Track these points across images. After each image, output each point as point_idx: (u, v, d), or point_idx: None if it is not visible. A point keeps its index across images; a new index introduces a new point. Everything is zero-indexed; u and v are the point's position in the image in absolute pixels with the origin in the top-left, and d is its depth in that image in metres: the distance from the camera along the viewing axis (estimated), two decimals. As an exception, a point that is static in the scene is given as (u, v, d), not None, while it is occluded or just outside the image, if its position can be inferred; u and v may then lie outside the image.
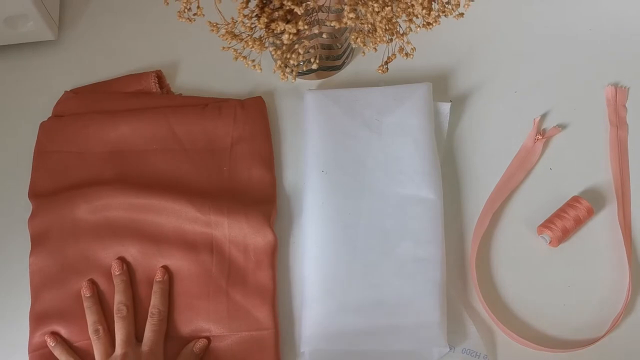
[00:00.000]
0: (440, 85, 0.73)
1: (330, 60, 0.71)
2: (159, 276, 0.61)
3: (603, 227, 0.66)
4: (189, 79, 0.75)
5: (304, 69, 0.71)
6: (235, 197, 0.66)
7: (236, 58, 0.53)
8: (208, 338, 0.60)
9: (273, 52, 0.54)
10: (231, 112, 0.69)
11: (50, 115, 0.71)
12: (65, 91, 0.72)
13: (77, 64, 0.76)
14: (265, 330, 0.61)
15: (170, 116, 0.69)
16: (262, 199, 0.66)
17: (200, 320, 0.61)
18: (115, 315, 0.59)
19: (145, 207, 0.64)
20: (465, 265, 0.64)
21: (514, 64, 0.74)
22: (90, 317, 0.60)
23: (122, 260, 0.62)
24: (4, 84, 0.75)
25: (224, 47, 0.53)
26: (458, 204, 0.67)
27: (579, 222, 0.64)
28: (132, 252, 0.63)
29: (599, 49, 0.75)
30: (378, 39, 0.52)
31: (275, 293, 0.62)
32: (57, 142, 0.68)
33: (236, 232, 0.63)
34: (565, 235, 0.64)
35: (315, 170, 0.66)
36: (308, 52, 0.58)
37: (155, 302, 0.60)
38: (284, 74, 0.54)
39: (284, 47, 0.52)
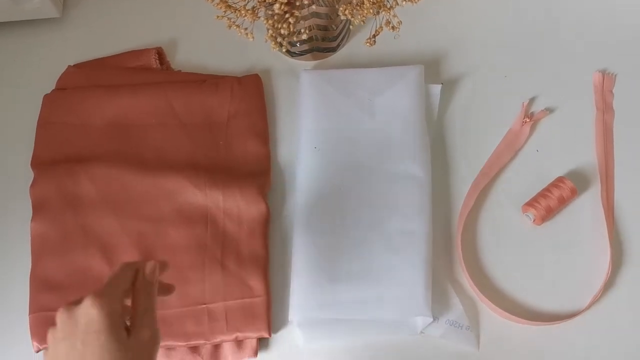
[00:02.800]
0: (433, 68, 0.75)
1: (325, 41, 0.74)
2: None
3: (586, 207, 0.68)
4: (189, 56, 0.77)
5: (298, 49, 0.73)
6: (230, 170, 0.68)
7: (229, 26, 0.55)
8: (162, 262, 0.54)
9: (265, 22, 0.56)
10: (228, 88, 0.72)
11: (52, 88, 0.73)
12: (69, 65, 0.74)
13: (81, 41, 0.78)
14: (257, 298, 0.63)
15: (169, 91, 0.71)
16: (256, 171, 0.68)
17: (195, 292, 0.63)
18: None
19: (143, 182, 0.66)
20: (451, 241, 0.67)
21: (505, 49, 0.76)
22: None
23: None
24: (10, 59, 0.77)
25: (218, 16, 0.55)
26: (446, 183, 0.69)
27: (562, 202, 0.66)
28: (129, 227, 0.65)
29: (588, 36, 0.77)
30: (365, 12, 0.54)
31: (268, 262, 0.65)
32: (59, 114, 0.70)
33: (230, 204, 0.65)
34: (548, 213, 0.66)
35: (308, 146, 0.68)
36: (300, 23, 0.60)
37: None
38: (275, 43, 0.56)
39: (276, 17, 0.54)
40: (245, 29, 0.55)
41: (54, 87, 0.73)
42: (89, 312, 0.42)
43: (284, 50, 0.58)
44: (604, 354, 0.62)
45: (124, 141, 0.69)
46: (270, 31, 0.55)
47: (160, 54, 0.75)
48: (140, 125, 0.70)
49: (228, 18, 0.55)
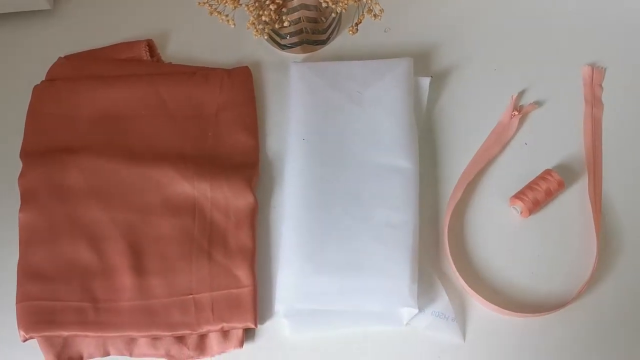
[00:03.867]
0: (423, 61, 0.75)
1: (316, 34, 0.74)
2: None
3: (573, 200, 0.68)
4: (180, 48, 0.77)
5: (287, 42, 0.74)
6: (219, 161, 0.68)
7: (211, 13, 0.56)
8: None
9: (246, 9, 0.56)
10: (218, 80, 0.72)
11: (43, 79, 0.73)
12: (59, 57, 0.74)
13: (72, 33, 0.78)
14: (244, 288, 0.63)
15: (158, 83, 0.71)
16: (245, 163, 0.68)
17: (182, 282, 0.63)
18: None
19: (131, 173, 0.66)
20: (438, 233, 0.67)
21: (495, 42, 0.76)
22: None
23: None
24: (0, 51, 0.77)
25: (200, 3, 0.55)
26: (435, 175, 0.70)
27: (549, 194, 0.66)
28: (117, 217, 0.65)
29: (578, 30, 0.77)
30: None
31: (255, 253, 0.65)
32: (49, 105, 0.70)
33: (218, 195, 0.66)
34: (536, 206, 0.66)
35: (296, 138, 0.68)
36: (288, 15, 0.60)
37: None
38: (256, 31, 0.56)
39: (256, 4, 0.54)
40: (227, 15, 0.55)
41: (44, 79, 0.73)
42: None
43: (265, 37, 0.58)
44: (590, 345, 0.62)
45: (113, 132, 0.69)
46: (252, 18, 0.55)
47: (150, 46, 0.75)
48: (130, 116, 0.70)
49: (210, 5, 0.55)
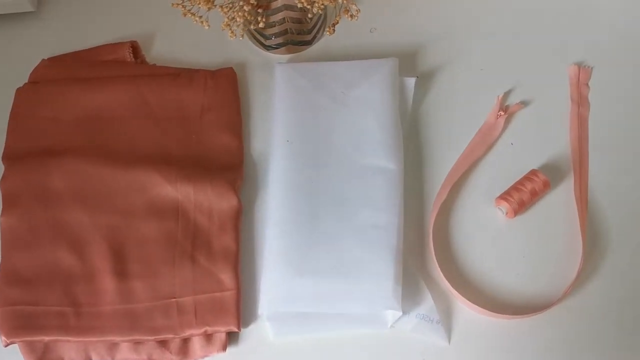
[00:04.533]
0: (409, 61, 0.75)
1: (301, 35, 0.73)
2: None
3: (560, 200, 0.67)
4: (164, 50, 0.76)
5: (272, 42, 0.73)
6: (202, 163, 0.68)
7: (185, 14, 0.55)
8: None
9: (220, 10, 0.56)
10: (202, 82, 0.71)
11: (25, 82, 0.72)
12: (43, 59, 0.74)
13: (56, 35, 0.78)
14: (227, 291, 0.62)
15: (142, 85, 0.71)
16: (229, 165, 0.68)
17: (165, 286, 0.62)
18: None
19: (114, 176, 0.66)
20: (424, 234, 0.66)
21: (481, 42, 0.76)
22: None
23: None
24: (-17, 53, 0.77)
25: (173, 4, 0.55)
26: (420, 176, 0.69)
27: (535, 195, 0.66)
28: (99, 221, 0.64)
29: (564, 29, 0.76)
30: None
31: (239, 256, 0.64)
32: (32, 108, 0.70)
33: (201, 197, 0.65)
34: (521, 207, 0.65)
35: (280, 140, 0.68)
36: (258, 12, 0.59)
37: None
38: (232, 32, 0.56)
39: (230, 5, 0.54)
40: (201, 17, 0.54)
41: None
42: None
43: (241, 38, 0.58)
44: (577, 346, 0.61)
45: (96, 135, 0.69)
46: (226, 19, 0.55)
47: (134, 47, 0.75)
48: (113, 118, 0.70)
49: (183, 6, 0.55)
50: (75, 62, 0.74)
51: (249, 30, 0.74)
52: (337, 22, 0.58)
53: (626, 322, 0.62)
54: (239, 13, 0.54)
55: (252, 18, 0.55)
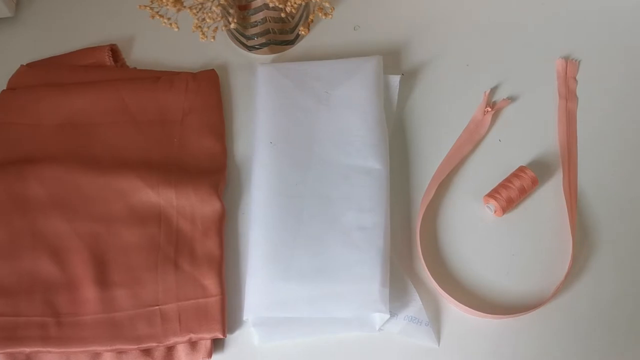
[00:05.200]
0: (393, 58, 0.74)
1: (283, 34, 0.72)
2: None
3: (548, 197, 0.66)
4: (145, 53, 0.75)
5: (254, 43, 0.72)
6: (185, 167, 0.67)
7: (152, 16, 0.54)
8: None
9: (189, 12, 0.54)
10: (183, 84, 0.70)
11: (4, 88, 0.71)
12: (21, 65, 0.73)
13: (35, 40, 0.76)
14: (212, 297, 0.61)
15: (122, 89, 0.69)
16: (211, 169, 0.67)
17: (148, 293, 0.61)
18: None
19: (94, 182, 0.64)
20: (411, 235, 0.65)
21: (467, 37, 0.75)
22: None
23: None
24: (-39, 59, 0.76)
25: (140, 6, 0.53)
26: (406, 175, 0.68)
27: (523, 192, 0.65)
28: (80, 228, 0.63)
29: (551, 23, 0.75)
30: None
31: (223, 261, 0.63)
32: (10, 114, 0.69)
33: (184, 202, 0.64)
34: (510, 205, 0.64)
35: (263, 142, 0.67)
36: (229, 13, 0.57)
37: None
38: (203, 34, 0.54)
39: (198, 6, 0.53)
40: (169, 18, 0.53)
41: (5, 87, 0.71)
42: None
43: (212, 40, 0.56)
44: (567, 345, 0.60)
45: (76, 141, 0.68)
46: (196, 21, 0.54)
47: (114, 51, 0.74)
48: (93, 124, 0.69)
49: (151, 8, 0.53)
50: (54, 67, 0.72)
51: (230, 31, 0.73)
52: (312, 21, 0.57)
53: (616, 319, 0.61)
54: (209, 14, 0.52)
55: (224, 19, 0.54)
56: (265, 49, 0.73)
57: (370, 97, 0.68)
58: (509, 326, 0.61)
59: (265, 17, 0.68)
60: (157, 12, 0.54)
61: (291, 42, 0.74)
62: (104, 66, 0.72)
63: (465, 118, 0.70)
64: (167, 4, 0.52)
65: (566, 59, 0.73)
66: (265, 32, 0.70)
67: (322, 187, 0.64)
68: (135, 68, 0.73)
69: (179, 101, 0.70)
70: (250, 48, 0.74)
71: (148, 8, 0.54)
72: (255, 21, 0.68)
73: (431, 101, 0.71)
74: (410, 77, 0.72)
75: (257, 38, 0.71)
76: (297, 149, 0.66)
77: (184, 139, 0.68)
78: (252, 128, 0.69)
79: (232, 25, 0.57)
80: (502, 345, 0.60)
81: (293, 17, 0.70)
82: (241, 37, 0.72)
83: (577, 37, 0.74)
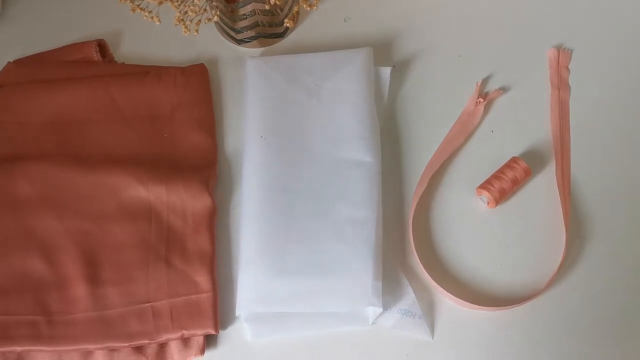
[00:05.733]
0: (384, 50, 0.73)
1: (272, 27, 0.71)
2: None
3: (542, 187, 0.66)
4: (133, 47, 0.74)
5: (243, 36, 0.71)
6: (175, 163, 0.66)
7: (133, 10, 0.53)
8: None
9: (171, 4, 0.54)
10: (171, 79, 0.69)
11: (-9, 86, 0.71)
12: (8, 62, 0.72)
13: (20, 37, 0.75)
14: (203, 294, 0.61)
15: (110, 84, 0.69)
16: (202, 164, 0.66)
17: (139, 291, 0.61)
18: None
19: (84, 180, 0.64)
20: (403, 228, 0.65)
21: (458, 27, 0.74)
22: None
23: None
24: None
25: (120, 0, 0.53)
26: (398, 167, 0.67)
27: (516, 183, 0.64)
28: (70, 226, 0.63)
29: (543, 12, 0.75)
30: None
31: (215, 257, 0.63)
32: (-3, 112, 0.68)
33: (174, 198, 0.63)
34: (502, 196, 0.64)
35: (253, 136, 0.66)
36: (213, 6, 0.56)
37: None
38: (186, 27, 0.54)
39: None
40: (150, 12, 0.52)
41: (-7, 85, 0.71)
42: None
43: (195, 34, 0.56)
44: (561, 336, 0.60)
45: (65, 138, 0.67)
46: (178, 14, 0.53)
47: (102, 46, 0.73)
48: (82, 120, 0.68)
49: (131, 1, 0.53)
50: (41, 63, 0.72)
51: (219, 25, 0.72)
52: (297, 13, 0.56)
53: (609, 310, 0.61)
54: (191, 7, 0.51)
55: (212, 11, 0.53)
56: (255, 42, 0.73)
57: (360, 90, 0.67)
58: (502, 318, 0.61)
59: (254, 10, 0.67)
60: (138, 5, 0.53)
61: (281, 35, 0.73)
62: (92, 62, 0.71)
63: (458, 109, 0.70)
64: (147, -3, 0.51)
65: (558, 48, 0.72)
66: (254, 25, 0.70)
67: (314, 180, 0.64)
68: (123, 63, 0.73)
69: (167, 96, 0.69)
70: (239, 41, 0.73)
71: (129, 1, 0.53)
72: (244, 14, 0.67)
73: (423, 93, 0.71)
74: (401, 69, 0.72)
75: (246, 31, 0.71)
76: (288, 142, 0.66)
77: (173, 134, 0.68)
78: (242, 122, 0.68)
79: (215, 19, 0.56)
80: (496, 337, 0.60)
81: (282, 10, 0.69)
82: (230, 31, 0.71)
83: (569, 26, 0.74)
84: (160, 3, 0.52)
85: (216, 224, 0.64)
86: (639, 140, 0.68)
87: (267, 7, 0.56)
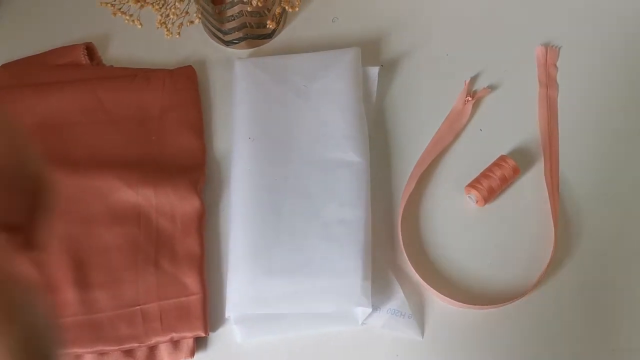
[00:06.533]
0: (372, 50, 0.73)
1: (260, 28, 0.71)
2: None
3: (530, 186, 0.66)
4: (122, 50, 0.74)
5: (231, 37, 0.71)
6: (163, 165, 0.66)
7: (114, 14, 0.53)
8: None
9: (152, 7, 0.54)
10: (160, 81, 0.69)
11: (-22, 90, 0.70)
12: (-5, 66, 0.72)
13: (7, 41, 0.75)
14: (193, 296, 0.61)
15: (98, 88, 0.69)
16: (191, 166, 0.66)
17: (129, 294, 0.61)
18: None
19: (72, 184, 0.64)
20: (392, 227, 0.65)
21: (446, 26, 0.74)
22: None
23: None
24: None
25: (101, 3, 0.52)
26: (387, 167, 0.67)
27: (505, 181, 0.64)
28: (58, 230, 0.62)
29: (531, 9, 0.74)
30: None
31: (204, 259, 0.63)
32: (-16, 117, 0.68)
33: (163, 200, 0.63)
34: (491, 194, 0.64)
35: (242, 137, 0.66)
36: (204, 8, 0.56)
37: None
38: (168, 31, 0.53)
39: (161, 1, 0.52)
40: (131, 15, 0.52)
41: (-19, 90, 0.71)
42: None
43: (177, 37, 0.55)
44: (552, 333, 0.60)
45: (52, 141, 0.67)
46: (159, 17, 0.53)
47: (90, 49, 0.73)
48: (70, 124, 0.68)
49: (112, 5, 0.52)
50: (29, 67, 0.71)
51: (207, 27, 0.72)
52: (279, 14, 0.56)
53: (600, 307, 0.61)
54: (173, 10, 0.51)
55: (188, 15, 0.53)
56: (243, 43, 0.73)
57: (348, 90, 0.67)
58: (493, 316, 0.61)
59: (241, 11, 0.67)
60: (119, 9, 0.53)
61: (269, 36, 0.73)
62: (80, 65, 0.71)
63: (446, 108, 0.70)
64: (129, 1, 0.51)
65: (546, 45, 0.72)
66: (242, 26, 0.70)
67: (302, 181, 0.64)
68: (111, 66, 0.73)
69: (156, 99, 0.69)
70: (227, 43, 0.73)
71: (109, 5, 0.52)
72: (231, 15, 0.67)
73: (411, 92, 0.71)
74: (389, 68, 0.72)
75: (234, 32, 0.71)
76: (276, 143, 0.66)
77: (162, 136, 0.67)
78: (231, 124, 0.68)
79: (196, 22, 0.56)
80: (487, 336, 0.60)
81: (269, 10, 0.69)
82: (218, 32, 0.71)
83: (557, 23, 0.73)
84: (142, 6, 0.52)
85: (205, 225, 0.64)
86: (629, 137, 0.68)
87: (249, 9, 0.56)
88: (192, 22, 0.56)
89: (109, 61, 0.74)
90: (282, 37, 0.74)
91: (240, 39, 0.72)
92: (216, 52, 0.74)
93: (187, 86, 0.70)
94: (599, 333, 0.60)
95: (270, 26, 0.58)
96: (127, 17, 0.53)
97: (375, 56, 0.73)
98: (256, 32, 0.72)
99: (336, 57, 0.69)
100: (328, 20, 0.75)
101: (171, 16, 0.53)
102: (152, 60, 0.73)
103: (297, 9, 0.56)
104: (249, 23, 0.69)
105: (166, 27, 0.54)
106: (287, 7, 0.56)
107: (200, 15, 0.56)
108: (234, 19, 0.68)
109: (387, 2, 0.76)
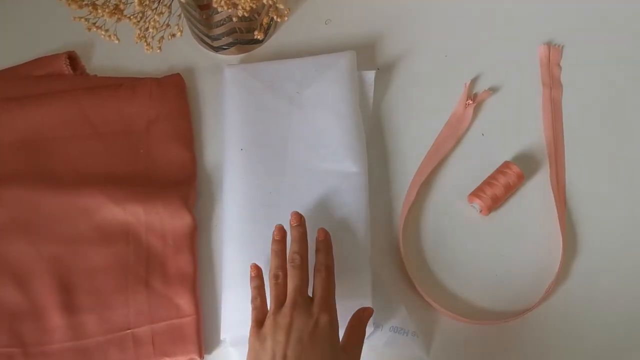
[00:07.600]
0: (368, 53, 0.70)
1: (250, 33, 0.68)
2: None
3: (535, 192, 0.63)
4: (106, 59, 0.71)
5: (220, 43, 0.68)
6: (152, 180, 0.63)
7: (89, 29, 0.50)
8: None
9: (129, 21, 0.50)
10: (146, 91, 0.66)
11: (-43, 105, 0.67)
12: (-26, 79, 0.69)
13: (-10, 50, 0.72)
14: (186, 317, 0.58)
15: (82, 99, 0.65)
16: (181, 180, 0.63)
17: (119, 317, 0.58)
18: (288, 265, 0.54)
19: (56, 201, 0.61)
20: (393, 240, 0.62)
21: (444, 27, 0.71)
22: (274, 262, 0.54)
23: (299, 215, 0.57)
24: None
25: (75, 17, 0.49)
26: (386, 176, 0.65)
27: (509, 189, 0.61)
28: (43, 251, 0.60)
29: (531, 7, 0.72)
30: (244, 2, 0.48)
31: (197, 278, 0.60)
32: (-37, 133, 0.65)
33: (153, 217, 0.60)
34: (495, 203, 0.61)
35: (233, 148, 0.63)
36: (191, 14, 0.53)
37: (319, 259, 0.55)
38: (148, 45, 0.50)
39: (139, 15, 0.49)
40: (107, 30, 0.49)
41: (-40, 103, 0.67)
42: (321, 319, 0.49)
43: (158, 51, 0.52)
44: (562, 347, 0.57)
45: (35, 158, 0.64)
46: (138, 32, 0.50)
47: (73, 58, 0.69)
48: (53, 138, 0.65)
49: (86, 19, 0.49)
50: (9, 79, 0.68)
51: (195, 33, 0.69)
52: (266, 24, 0.53)
53: (612, 319, 0.58)
54: (152, 23, 0.48)
55: (169, 27, 0.49)
56: (233, 49, 0.69)
57: (344, 96, 0.64)
58: (500, 331, 0.58)
59: (230, 16, 0.64)
60: (94, 23, 0.50)
61: (259, 41, 0.70)
62: (63, 75, 0.68)
63: (446, 112, 0.67)
64: (104, 15, 0.48)
65: (549, 44, 0.69)
66: (231, 32, 0.67)
67: (298, 193, 0.61)
68: (95, 76, 0.69)
69: (143, 109, 0.66)
70: (216, 49, 0.70)
71: (83, 20, 0.49)
72: (220, 20, 0.64)
73: (409, 96, 0.68)
74: (386, 72, 0.69)
75: (223, 38, 0.68)
76: (270, 154, 0.63)
77: (150, 149, 0.65)
78: (222, 134, 0.65)
79: (179, 35, 0.53)
80: (494, 352, 0.58)
81: (259, 14, 0.66)
82: (206, 38, 0.68)
83: (559, 21, 0.71)
84: (119, 20, 0.49)
85: (197, 242, 0.62)
86: (636, 137, 0.65)
87: (234, 19, 0.53)
88: (173, 35, 0.53)
89: (92, 70, 0.70)
90: (274, 42, 0.71)
91: (229, 45, 0.69)
92: (205, 58, 0.71)
93: (175, 95, 0.67)
94: (613, 345, 0.57)
95: (259, 37, 0.55)
96: (103, 32, 0.50)
97: (371, 59, 0.70)
98: (246, 37, 0.68)
99: (330, 61, 0.66)
100: (321, 22, 0.72)
101: (150, 30, 0.50)
102: (138, 69, 0.70)
103: (285, 18, 0.53)
104: (239, 28, 0.66)
105: (146, 41, 0.51)
106: (275, 17, 0.53)
107: (187, 22, 0.52)
108: (222, 24, 0.65)
109: (382, 3, 0.73)
